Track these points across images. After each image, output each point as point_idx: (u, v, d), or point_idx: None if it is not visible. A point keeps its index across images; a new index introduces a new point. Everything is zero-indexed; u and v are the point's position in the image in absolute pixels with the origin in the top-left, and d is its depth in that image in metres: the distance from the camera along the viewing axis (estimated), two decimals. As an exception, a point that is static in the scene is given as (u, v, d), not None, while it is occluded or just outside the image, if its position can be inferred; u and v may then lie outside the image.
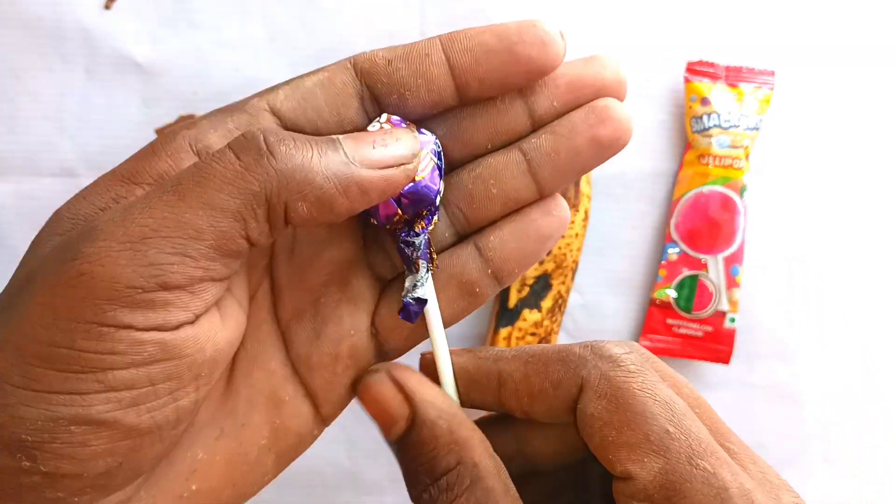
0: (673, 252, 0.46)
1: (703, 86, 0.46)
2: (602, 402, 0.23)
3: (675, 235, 0.46)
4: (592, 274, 0.46)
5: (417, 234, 0.24)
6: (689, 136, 0.46)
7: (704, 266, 0.46)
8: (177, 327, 0.21)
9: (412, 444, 0.24)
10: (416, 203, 0.24)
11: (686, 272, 0.46)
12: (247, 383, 0.25)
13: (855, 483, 0.47)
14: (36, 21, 0.44)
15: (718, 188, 0.45)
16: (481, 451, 0.23)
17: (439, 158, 0.24)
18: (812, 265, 0.47)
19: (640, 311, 0.47)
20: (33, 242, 0.23)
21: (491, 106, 0.25)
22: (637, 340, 0.46)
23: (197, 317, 0.21)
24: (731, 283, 0.45)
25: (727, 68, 0.46)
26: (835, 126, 0.47)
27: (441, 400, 0.24)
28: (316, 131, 0.24)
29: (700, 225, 0.45)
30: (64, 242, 0.21)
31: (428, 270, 0.25)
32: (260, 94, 0.24)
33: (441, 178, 0.24)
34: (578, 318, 0.46)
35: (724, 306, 0.45)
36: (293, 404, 0.26)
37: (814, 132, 0.47)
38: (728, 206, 0.45)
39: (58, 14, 0.44)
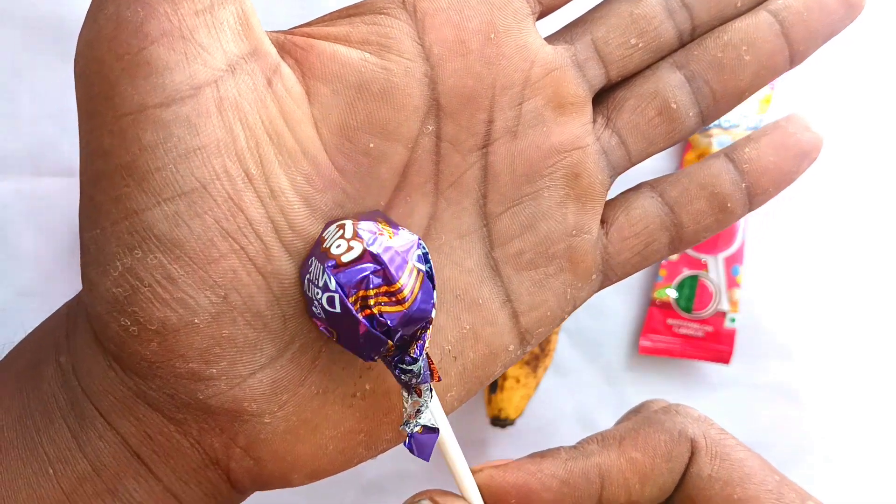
0: (673, 252, 0.46)
1: (704, 86, 0.46)
2: (717, 461, 0.22)
3: (675, 235, 0.46)
4: (593, 274, 0.46)
5: (415, 360, 0.20)
6: (689, 136, 0.46)
7: (705, 266, 0.46)
8: None
9: None
10: (409, 329, 0.20)
11: (686, 272, 0.46)
12: (437, 279, 0.23)
13: (855, 483, 0.47)
14: (37, 20, 0.44)
15: (719, 188, 0.45)
16: None
17: (426, 262, 0.20)
18: (812, 265, 0.47)
19: (640, 311, 0.47)
20: None
21: None
22: (637, 340, 0.46)
23: None
24: (732, 283, 0.45)
25: (728, 68, 0.46)
26: (835, 126, 0.47)
27: None
28: None
29: (700, 225, 0.45)
30: None
31: (432, 392, 0.21)
32: None
33: (433, 287, 0.20)
34: (579, 318, 0.46)
35: (725, 306, 0.45)
36: (488, 309, 0.23)
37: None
38: (728, 206, 0.45)
39: (59, 12, 0.44)
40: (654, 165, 0.47)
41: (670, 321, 0.46)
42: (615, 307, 0.47)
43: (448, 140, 0.23)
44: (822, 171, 0.47)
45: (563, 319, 0.25)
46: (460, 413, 0.46)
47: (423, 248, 0.21)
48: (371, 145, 0.22)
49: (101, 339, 0.20)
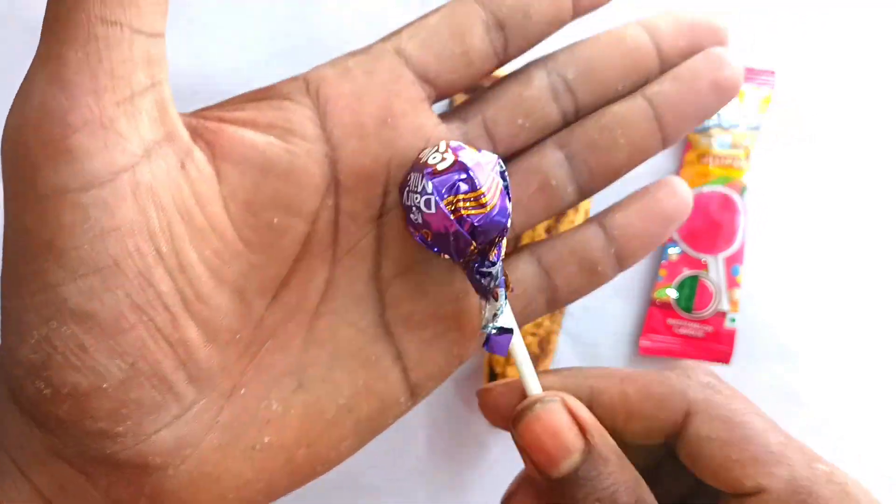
0: (673, 252, 0.46)
1: (704, 86, 0.46)
2: (717, 423, 0.23)
3: (675, 235, 0.46)
4: (592, 274, 0.46)
5: (493, 263, 0.24)
6: (689, 135, 0.46)
7: (705, 266, 0.46)
8: None
9: (585, 479, 0.23)
10: (488, 233, 0.23)
11: (686, 272, 0.46)
12: (332, 338, 0.25)
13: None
14: (36, 21, 0.44)
15: (719, 188, 0.45)
16: (648, 495, 0.23)
17: (504, 178, 0.24)
18: (812, 265, 0.47)
19: (640, 311, 0.47)
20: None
21: (620, 41, 0.26)
22: (637, 341, 0.46)
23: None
24: (732, 283, 0.45)
25: (727, 68, 0.46)
26: (834, 126, 0.47)
27: (607, 436, 0.24)
28: (439, 63, 0.25)
29: (700, 225, 0.45)
30: None
31: (506, 298, 0.24)
32: (381, 40, 0.25)
33: (509, 199, 0.24)
34: (579, 318, 0.46)
35: (725, 306, 0.45)
36: (381, 365, 0.25)
37: (814, 132, 0.47)
38: (728, 206, 0.45)
39: (57, 14, 0.44)
40: (655, 166, 0.47)
41: (670, 321, 0.46)
42: (615, 308, 0.47)
43: (346, 213, 0.25)
44: (822, 171, 0.47)
45: (450, 373, 0.27)
46: (460, 413, 0.46)
47: (502, 165, 0.24)
48: (275, 220, 0.23)
49: (18, 398, 0.21)
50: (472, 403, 0.45)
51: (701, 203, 0.45)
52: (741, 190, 0.45)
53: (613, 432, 0.24)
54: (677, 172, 0.46)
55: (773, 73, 0.46)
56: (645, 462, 0.25)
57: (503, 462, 0.45)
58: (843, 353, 0.47)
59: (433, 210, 0.23)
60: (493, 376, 0.43)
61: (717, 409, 0.24)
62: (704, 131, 0.45)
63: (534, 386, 0.25)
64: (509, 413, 0.25)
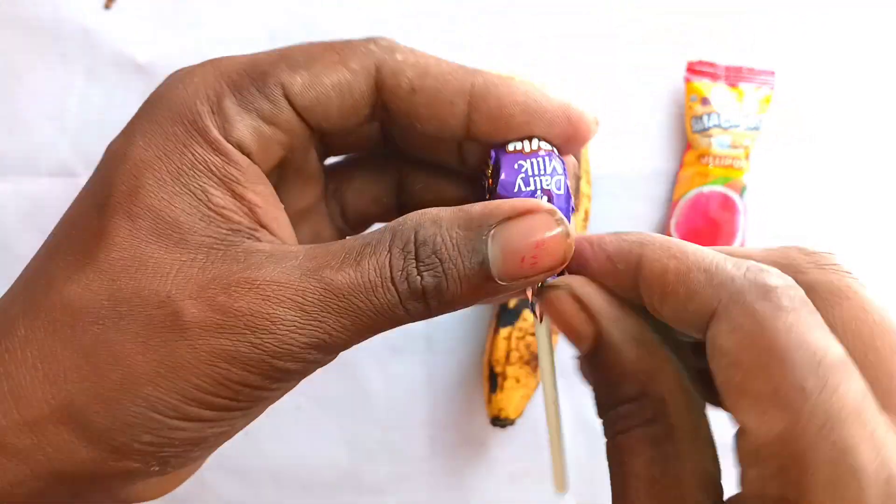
0: (673, 252, 0.46)
1: (703, 86, 0.45)
2: (736, 336, 0.19)
3: (675, 235, 0.46)
4: (592, 274, 0.46)
5: None
6: (689, 136, 0.46)
7: (705, 266, 0.45)
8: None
9: (597, 365, 0.22)
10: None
11: (686, 272, 0.46)
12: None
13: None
14: (36, 21, 0.44)
15: (718, 188, 0.45)
16: (672, 385, 0.20)
17: (565, 182, 0.24)
18: (812, 265, 0.47)
19: (640, 311, 0.47)
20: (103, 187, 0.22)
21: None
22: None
23: None
24: (732, 283, 0.45)
25: (727, 68, 0.46)
26: (834, 126, 0.47)
27: (630, 322, 0.22)
28: (318, 127, 0.24)
29: (700, 225, 0.45)
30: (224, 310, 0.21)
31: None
32: (276, 66, 0.23)
33: (571, 208, 0.24)
34: (578, 318, 0.46)
35: (725, 306, 0.45)
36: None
37: (814, 132, 0.47)
38: (728, 206, 0.45)
39: (58, 14, 0.44)
40: (655, 167, 0.47)
41: (670, 321, 0.46)
42: (615, 307, 0.47)
43: None
44: (822, 171, 0.47)
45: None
46: (460, 413, 0.46)
47: (564, 167, 0.24)
48: None
49: None
50: (472, 403, 0.45)
51: (701, 203, 0.45)
52: (741, 190, 0.45)
53: (654, 312, 0.22)
54: (677, 172, 0.46)
55: (772, 73, 0.46)
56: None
57: (503, 462, 0.45)
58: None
59: (561, 190, 0.24)
60: (493, 376, 0.43)
61: (747, 321, 0.19)
62: (704, 131, 0.45)
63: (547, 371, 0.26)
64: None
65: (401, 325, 0.22)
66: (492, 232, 0.21)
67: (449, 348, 0.45)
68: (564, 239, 0.22)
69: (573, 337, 0.22)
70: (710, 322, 0.20)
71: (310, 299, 0.20)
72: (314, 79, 0.23)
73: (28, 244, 0.47)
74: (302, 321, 0.20)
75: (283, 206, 0.24)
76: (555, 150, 0.24)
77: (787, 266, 0.21)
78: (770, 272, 0.20)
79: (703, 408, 0.21)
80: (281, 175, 0.25)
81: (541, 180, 0.23)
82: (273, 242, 0.22)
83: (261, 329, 0.20)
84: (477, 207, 0.22)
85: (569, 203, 0.24)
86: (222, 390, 0.20)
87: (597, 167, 0.45)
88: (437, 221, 0.21)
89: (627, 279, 0.22)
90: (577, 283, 0.23)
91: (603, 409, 0.22)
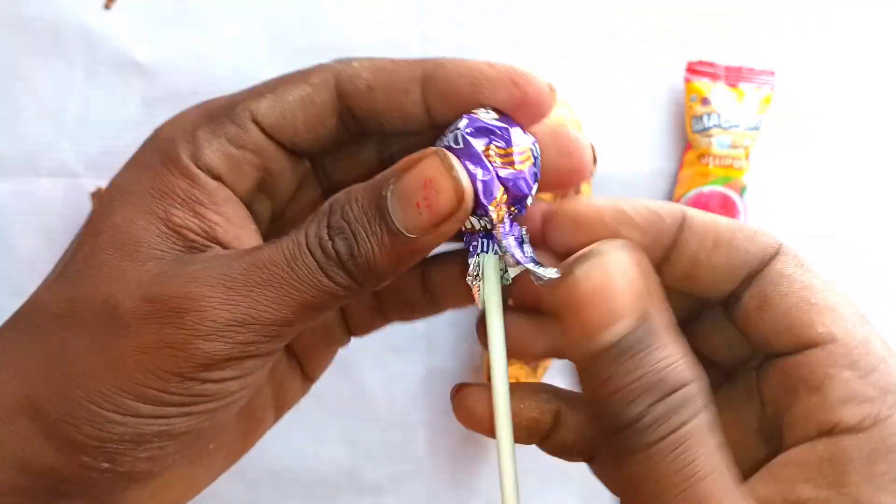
0: (673, 252, 0.46)
1: (703, 86, 0.45)
2: (801, 269, 0.23)
3: (675, 235, 0.46)
4: (592, 274, 0.46)
5: (485, 216, 0.23)
6: (689, 136, 0.46)
7: (704, 266, 0.45)
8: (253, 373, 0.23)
9: (633, 352, 0.20)
10: (511, 192, 0.23)
11: (686, 272, 0.46)
12: None
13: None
14: (36, 21, 0.44)
15: (718, 188, 0.45)
16: (703, 374, 0.20)
17: (536, 163, 0.24)
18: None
19: (640, 311, 0.47)
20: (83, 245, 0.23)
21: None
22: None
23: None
24: (732, 283, 0.45)
25: (727, 68, 0.46)
26: (834, 126, 0.47)
27: (669, 307, 0.21)
28: (293, 145, 0.25)
29: (700, 225, 0.45)
30: (157, 299, 0.21)
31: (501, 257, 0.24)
32: (247, 96, 0.25)
33: (535, 182, 0.24)
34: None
35: (725, 306, 0.45)
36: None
37: (814, 132, 0.47)
38: (728, 206, 0.45)
39: (58, 14, 0.44)
40: (656, 167, 0.47)
41: (670, 321, 0.46)
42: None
43: None
44: (822, 172, 0.47)
45: None
46: (460, 413, 0.46)
47: (538, 149, 0.24)
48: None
49: None
50: (472, 403, 0.45)
51: (701, 203, 0.45)
52: (741, 190, 0.45)
53: (698, 263, 0.23)
54: (677, 172, 0.46)
55: (773, 73, 0.46)
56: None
57: (503, 462, 0.45)
58: (842, 352, 0.47)
59: (461, 145, 0.23)
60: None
61: (805, 261, 0.24)
62: (704, 131, 0.45)
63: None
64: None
65: (338, 301, 0.22)
66: (391, 187, 0.22)
67: (449, 348, 0.45)
68: (449, 172, 0.22)
69: (608, 319, 0.20)
70: (769, 263, 0.23)
71: (233, 275, 0.21)
72: (278, 98, 0.24)
73: (28, 244, 0.47)
74: (224, 296, 0.21)
75: (254, 226, 0.24)
76: (515, 123, 0.24)
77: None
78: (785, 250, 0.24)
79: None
80: (275, 211, 0.27)
81: (491, 146, 0.23)
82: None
83: (184, 309, 0.21)
84: (382, 172, 0.22)
85: (519, 176, 0.23)
86: (153, 380, 0.21)
87: (597, 167, 0.45)
88: (349, 191, 0.22)
89: (668, 236, 0.23)
90: (633, 246, 0.21)
91: (617, 424, 0.19)
